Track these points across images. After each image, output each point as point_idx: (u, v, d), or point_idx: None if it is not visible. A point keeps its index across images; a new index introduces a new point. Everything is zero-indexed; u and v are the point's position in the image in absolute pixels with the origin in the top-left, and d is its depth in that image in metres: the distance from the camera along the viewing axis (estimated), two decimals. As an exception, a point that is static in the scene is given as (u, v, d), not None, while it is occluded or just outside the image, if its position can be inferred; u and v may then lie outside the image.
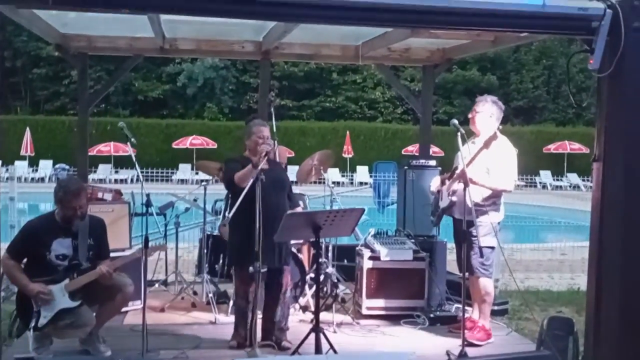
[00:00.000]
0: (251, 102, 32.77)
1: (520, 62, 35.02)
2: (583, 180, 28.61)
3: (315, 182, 7.16)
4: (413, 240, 5.77)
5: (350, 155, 26.75)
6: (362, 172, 27.72)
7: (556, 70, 34.31)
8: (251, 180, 4.17)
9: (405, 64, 7.62)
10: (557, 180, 29.34)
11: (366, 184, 26.69)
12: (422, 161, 6.28)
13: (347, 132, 27.26)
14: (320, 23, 5.02)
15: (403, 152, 27.93)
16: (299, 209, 4.66)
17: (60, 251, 4.28)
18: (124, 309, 5.05)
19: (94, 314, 4.41)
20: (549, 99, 34.78)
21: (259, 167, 4.22)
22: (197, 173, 26.06)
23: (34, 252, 4.25)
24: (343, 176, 26.46)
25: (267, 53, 7.09)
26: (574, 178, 29.29)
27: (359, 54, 7.09)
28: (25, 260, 4.31)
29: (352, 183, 26.91)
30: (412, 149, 27.61)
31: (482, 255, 4.76)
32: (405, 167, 6.24)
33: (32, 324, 4.18)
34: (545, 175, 29.20)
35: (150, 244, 4.32)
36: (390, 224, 6.57)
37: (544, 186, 28.82)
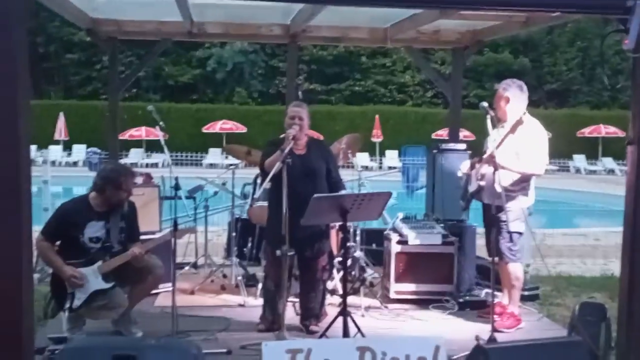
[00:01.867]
0: (280, 86, 32.72)
1: (554, 44, 34.31)
2: (618, 165, 28.03)
3: (343, 166, 7.17)
4: (442, 225, 5.73)
5: (379, 140, 26.62)
6: (391, 157, 27.57)
7: (591, 52, 33.53)
8: (278, 165, 4.16)
9: (435, 46, 7.52)
10: (592, 164, 28.79)
11: (395, 168, 26.64)
12: (452, 145, 6.21)
13: (377, 116, 27.07)
14: (350, 5, 4.97)
15: (433, 136, 27.62)
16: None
17: (94, 234, 4.35)
18: (154, 291, 5.10)
19: (126, 295, 4.47)
20: (583, 81, 34.06)
21: (286, 151, 4.19)
22: (226, 157, 26.27)
23: (68, 235, 4.32)
24: (372, 160, 26.38)
25: (294, 36, 7.05)
26: (608, 162, 28.71)
27: (387, 36, 7.02)
28: (58, 242, 4.39)
29: (381, 167, 26.79)
30: (443, 132, 27.29)
31: (510, 240, 4.70)
32: (435, 151, 6.18)
33: (67, 305, 4.27)
34: (579, 160, 28.68)
35: (179, 227, 4.36)
36: (419, 208, 6.52)
37: (578, 170, 28.33)
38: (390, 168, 26.55)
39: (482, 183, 4.74)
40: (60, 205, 4.50)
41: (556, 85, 33.37)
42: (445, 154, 6.09)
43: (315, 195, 3.99)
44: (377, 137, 26.52)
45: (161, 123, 4.66)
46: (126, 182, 4.35)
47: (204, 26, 6.89)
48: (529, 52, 33.94)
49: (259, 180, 5.95)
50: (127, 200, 4.44)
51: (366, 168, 23.69)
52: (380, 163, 27.37)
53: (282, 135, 4.54)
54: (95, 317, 4.44)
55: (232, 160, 25.65)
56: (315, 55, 31.95)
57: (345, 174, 5.17)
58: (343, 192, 4.67)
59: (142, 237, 4.68)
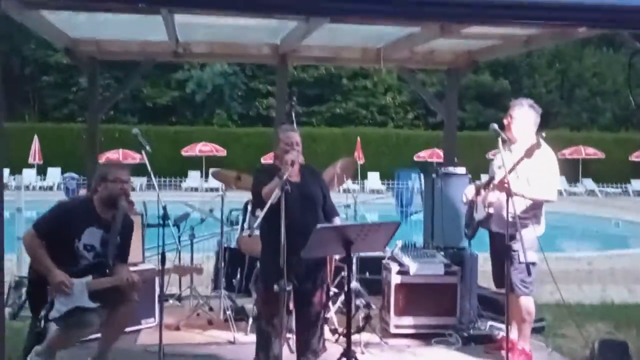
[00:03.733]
0: (261, 108, 32.60)
1: (533, 66, 34.78)
2: (598, 186, 28.20)
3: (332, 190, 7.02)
4: (443, 253, 5.52)
5: (361, 162, 26.47)
6: (373, 179, 27.49)
7: (570, 73, 34.02)
8: (277, 192, 3.88)
9: (429, 66, 7.39)
10: (573, 186, 28.94)
11: (378, 191, 26.49)
12: (451, 169, 6.01)
13: (358, 138, 26.94)
14: (348, 21, 4.74)
15: (415, 159, 27.72)
16: (335, 219, 4.36)
17: (89, 241, 4.01)
18: (136, 327, 4.77)
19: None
20: (562, 103, 34.47)
21: (284, 178, 3.93)
22: (206, 180, 25.98)
23: (63, 236, 3.92)
24: (354, 183, 26.20)
25: (284, 57, 6.86)
26: (589, 184, 28.89)
27: (380, 56, 6.88)
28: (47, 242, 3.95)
29: (363, 190, 26.63)
30: (424, 154, 27.43)
31: (526, 272, 4.44)
32: (433, 175, 5.96)
33: (43, 313, 3.84)
34: (560, 181, 28.81)
35: (178, 263, 4.03)
36: (414, 234, 6.30)
37: (559, 192, 28.46)
38: (373, 191, 26.44)
39: (491, 210, 4.50)
40: (60, 202, 4.13)
41: (535, 107, 33.76)
42: (445, 178, 5.90)
43: (319, 226, 3.70)
44: (359, 159, 26.36)
45: (148, 148, 4.36)
46: (114, 173, 4.09)
47: (190, 46, 6.69)
48: (509, 74, 34.30)
49: (248, 207, 5.76)
50: (126, 195, 4.16)
51: (348, 191, 23.50)
52: (363, 186, 27.22)
53: (270, 162, 4.38)
54: (65, 340, 4.00)
55: (213, 183, 25.84)
56: (296, 77, 31.92)
57: (334, 198, 4.97)
58: (337, 219, 4.41)
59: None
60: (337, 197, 4.77)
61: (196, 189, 25.79)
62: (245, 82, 32.87)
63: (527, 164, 4.30)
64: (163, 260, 4.10)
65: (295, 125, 5.50)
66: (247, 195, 4.82)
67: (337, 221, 4.35)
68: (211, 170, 7.11)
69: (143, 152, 4.41)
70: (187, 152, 27.03)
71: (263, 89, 32.35)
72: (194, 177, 26.74)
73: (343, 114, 32.86)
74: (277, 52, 6.82)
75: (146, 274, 4.29)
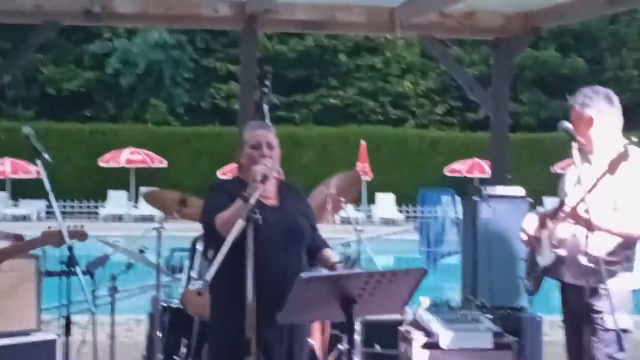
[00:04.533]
0: (218, 97, 32.67)
1: (620, 37, 35.01)
2: None
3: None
4: (490, 316, 5.52)
5: (368, 178, 26.58)
6: (385, 204, 27.65)
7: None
8: (240, 223, 3.85)
9: (467, 36, 7.45)
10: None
11: (394, 222, 26.52)
12: (502, 189, 6.04)
13: (363, 142, 27.09)
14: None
15: (447, 173, 27.83)
16: (325, 252, 4.43)
17: None
18: None
19: None
20: (664, 91, 34.81)
21: (251, 200, 3.91)
22: (135, 205, 25.92)
23: None
24: (357, 209, 26.27)
25: (253, 19, 6.90)
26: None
27: (395, 20, 6.98)
28: None
29: (370, 220, 26.71)
30: (460, 167, 27.64)
31: (615, 344, 4.41)
32: (475, 199, 5.99)
33: None
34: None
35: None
36: (447, 286, 6.38)
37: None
38: (385, 222, 26.51)
39: (562, 252, 4.49)
40: None
41: (624, 97, 33.96)
42: (492, 203, 5.95)
43: (303, 275, 3.67)
44: (363, 173, 26.51)
45: (47, 156, 4.34)
46: None
47: (111, 4, 6.73)
48: (584, 49, 34.58)
49: (199, 247, 5.76)
50: None
51: (348, 222, 23.49)
52: (370, 214, 27.27)
53: (231, 177, 4.50)
54: None
55: (143, 210, 25.79)
56: (271, 51, 32.08)
57: (328, 233, 5.01)
58: (329, 253, 4.48)
59: (12, 338, 4.43)
60: (331, 232, 4.73)
61: (120, 218, 25.85)
62: (194, 58, 33.11)
63: (611, 182, 4.29)
64: (68, 328, 4.06)
65: (268, 121, 5.51)
66: (196, 228, 4.82)
67: (330, 256, 4.41)
68: (143, 190, 7.06)
69: (39, 163, 4.37)
70: (107, 162, 27.05)
71: (221, 68, 32.48)
72: (116, 201, 26.82)
73: (340, 106, 33.10)
74: (242, 14, 6.88)
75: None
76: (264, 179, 4.05)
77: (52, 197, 4.64)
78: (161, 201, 6.10)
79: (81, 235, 5.02)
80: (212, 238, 4.25)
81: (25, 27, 7.11)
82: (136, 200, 25.75)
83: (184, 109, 32.78)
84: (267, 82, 5.96)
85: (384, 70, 33.66)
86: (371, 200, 27.49)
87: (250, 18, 6.90)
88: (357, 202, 25.80)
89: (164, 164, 26.93)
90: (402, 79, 33.64)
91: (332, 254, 4.51)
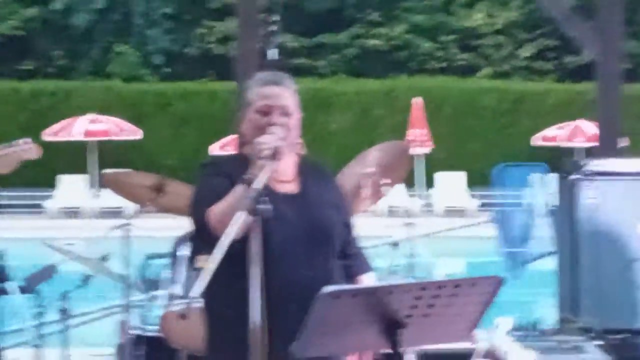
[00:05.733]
0: (210, 40, 32.69)
1: None
2: None
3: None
4: (600, 342, 5.54)
5: (425, 150, 26.54)
6: (449, 185, 27.59)
7: None
8: (242, 218, 3.88)
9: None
10: None
11: (462, 212, 26.46)
12: (614, 163, 6.05)
13: (416, 100, 27.05)
14: None
15: (537, 142, 27.64)
16: (367, 279, 4.46)
17: None
18: None
19: None
20: None
21: (255, 185, 3.94)
22: (98, 194, 25.97)
23: None
24: (411, 194, 26.16)
25: None
26: None
27: None
28: None
29: (429, 210, 26.64)
30: (556, 133, 27.44)
31: None
32: (575, 177, 6.01)
33: None
34: None
35: None
36: (537, 302, 6.38)
37: None
38: (449, 212, 26.44)
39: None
40: None
41: None
42: (599, 182, 5.96)
43: (327, 289, 3.70)
44: (419, 143, 26.42)
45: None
46: None
47: None
48: None
49: (184, 252, 5.87)
50: None
51: (395, 213, 23.44)
52: (428, 200, 27.26)
53: (230, 152, 4.40)
54: None
55: (107, 200, 25.71)
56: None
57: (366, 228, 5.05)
58: (370, 276, 4.56)
59: None
60: (370, 226, 4.71)
61: (75, 213, 26.17)
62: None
63: None
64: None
65: (279, 74, 5.53)
66: (178, 226, 4.95)
67: (370, 281, 4.45)
68: (105, 173, 7.21)
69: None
70: (56, 134, 27.30)
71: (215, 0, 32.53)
72: (70, 189, 27.03)
73: (384, 50, 33.18)
74: None
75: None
76: (275, 154, 4.06)
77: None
78: (130, 187, 6.15)
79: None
80: (203, 239, 4.31)
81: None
82: (99, 188, 25.78)
83: (164, 58, 32.89)
84: (276, 16, 5.98)
85: (445, -5, 33.65)
86: (430, 182, 27.46)
87: None
88: (408, 183, 25.60)
89: (137, 135, 27.00)
90: (471, 9, 33.70)
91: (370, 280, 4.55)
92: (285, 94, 4.37)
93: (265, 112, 4.29)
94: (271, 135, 4.14)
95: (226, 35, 31.20)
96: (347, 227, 4.48)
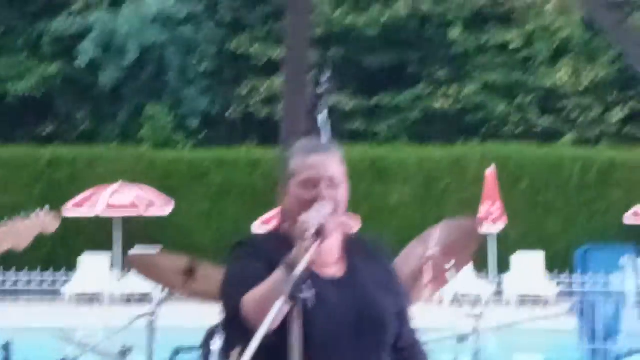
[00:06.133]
0: (254, 100, 32.83)
1: None
2: None
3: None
4: None
5: (498, 227, 26.34)
6: (526, 270, 27.28)
7: None
8: (281, 306, 3.80)
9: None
10: None
11: (539, 301, 26.14)
12: None
13: (490, 170, 26.90)
14: None
15: (627, 220, 27.22)
16: None
17: None
18: None
19: None
20: None
21: (297, 270, 3.86)
22: (123, 276, 25.88)
23: None
24: (482, 277, 26.01)
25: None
26: None
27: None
28: None
29: (500, 298, 26.42)
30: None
31: None
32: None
33: None
34: None
35: None
36: None
37: None
38: (524, 301, 26.16)
39: None
40: None
41: None
42: None
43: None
44: (492, 219, 26.25)
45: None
46: None
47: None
48: None
49: (216, 346, 5.85)
50: None
51: (461, 302, 23.22)
52: (499, 287, 27.13)
53: (270, 229, 4.58)
54: None
55: (132, 285, 25.51)
56: (338, 25, 32.15)
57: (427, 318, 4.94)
58: None
59: None
60: (432, 317, 4.61)
61: (97, 298, 26.15)
62: (216, 39, 33.52)
63: None
64: None
65: (330, 140, 5.46)
66: (211, 314, 4.81)
67: None
68: (130, 254, 7.21)
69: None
70: (78, 207, 27.36)
71: (259, 55, 32.69)
72: (91, 270, 27.08)
73: (452, 113, 33.30)
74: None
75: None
76: (322, 233, 4.04)
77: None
78: (158, 270, 6.18)
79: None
80: (236, 330, 4.23)
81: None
82: (123, 270, 25.68)
83: (200, 122, 33.15)
84: (327, 75, 5.92)
85: (524, 52, 33.75)
86: (502, 264, 27.12)
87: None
88: (477, 266, 25.32)
89: (167, 208, 26.93)
90: (553, 67, 33.56)
91: None
92: (332, 163, 4.33)
93: (310, 183, 4.27)
94: (317, 212, 4.12)
95: (270, 95, 31.43)
96: (403, 316, 4.40)
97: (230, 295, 4.19)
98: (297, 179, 4.26)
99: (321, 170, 4.25)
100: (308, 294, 3.84)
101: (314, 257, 3.92)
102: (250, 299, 4.06)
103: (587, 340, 15.47)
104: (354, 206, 4.55)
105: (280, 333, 3.88)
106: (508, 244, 26.66)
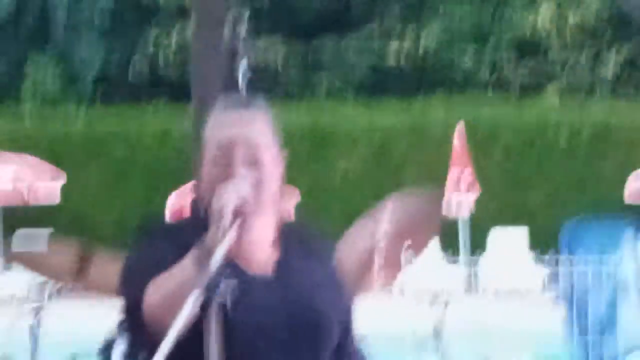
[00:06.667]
0: (160, 52, 32.98)
1: None
2: None
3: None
4: None
5: (470, 195, 26.59)
6: (506, 249, 27.85)
7: None
8: (190, 304, 3.68)
9: None
10: None
11: (520, 290, 26.45)
12: None
13: (457, 126, 27.11)
14: None
15: (628, 199, 27.58)
16: None
17: None
18: None
19: None
20: None
21: (214, 259, 3.71)
22: (7, 269, 26.08)
23: None
24: (449, 262, 26.30)
25: None
26: None
27: None
28: None
29: (470, 288, 26.85)
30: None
31: None
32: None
33: None
34: None
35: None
36: None
37: None
38: (499, 293, 26.47)
39: None
40: None
41: None
42: None
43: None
44: (466, 185, 26.53)
45: None
46: None
47: None
48: None
49: (118, 351, 5.81)
50: None
51: (429, 291, 23.57)
52: (472, 274, 27.58)
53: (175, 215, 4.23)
54: None
55: (17, 277, 25.86)
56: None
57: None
58: None
59: None
60: (384, 313, 4.48)
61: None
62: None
63: None
64: None
65: (253, 95, 5.34)
66: (111, 313, 4.77)
67: None
68: (15, 237, 7.26)
69: None
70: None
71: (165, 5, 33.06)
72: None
73: (409, 65, 33.42)
74: None
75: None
76: (237, 217, 3.89)
77: None
78: (45, 261, 6.13)
79: None
80: (140, 332, 4.11)
81: None
82: (6, 261, 25.83)
83: (95, 79, 33.48)
84: (244, 18, 5.81)
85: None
86: (478, 242, 27.42)
87: None
88: (445, 247, 25.70)
89: (56, 183, 27.11)
90: (532, 6, 33.97)
91: None
92: (255, 123, 4.18)
93: (226, 150, 4.13)
94: (235, 185, 3.98)
95: (180, 46, 31.97)
96: (345, 323, 4.33)
97: (129, 289, 4.07)
98: (209, 144, 4.15)
99: (237, 135, 4.11)
100: (228, 287, 3.74)
101: (234, 245, 3.81)
102: (153, 293, 3.96)
103: (577, 334, 15.55)
104: (289, 181, 4.43)
105: (195, 337, 3.78)
106: (482, 221, 26.84)
